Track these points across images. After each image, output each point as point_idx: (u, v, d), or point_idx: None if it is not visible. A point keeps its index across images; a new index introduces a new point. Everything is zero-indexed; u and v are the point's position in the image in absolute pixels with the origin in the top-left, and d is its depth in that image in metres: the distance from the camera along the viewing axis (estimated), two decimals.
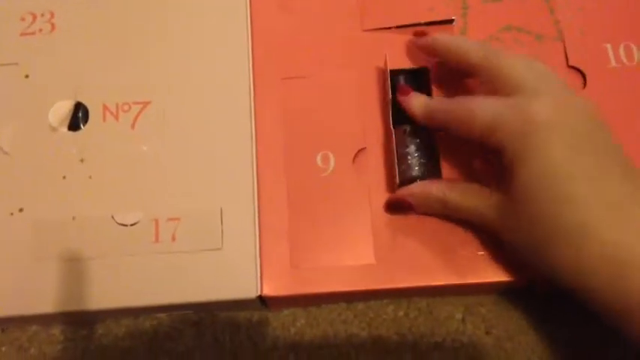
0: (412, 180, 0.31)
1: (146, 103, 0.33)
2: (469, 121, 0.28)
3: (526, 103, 0.26)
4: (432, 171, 0.31)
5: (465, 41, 0.31)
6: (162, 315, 0.32)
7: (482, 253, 0.30)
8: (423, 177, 0.31)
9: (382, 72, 0.33)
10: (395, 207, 0.31)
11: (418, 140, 0.31)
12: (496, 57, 0.29)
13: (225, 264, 0.30)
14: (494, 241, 0.29)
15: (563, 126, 0.26)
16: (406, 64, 0.33)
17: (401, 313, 0.32)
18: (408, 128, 0.32)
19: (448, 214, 0.30)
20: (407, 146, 0.31)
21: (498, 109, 0.27)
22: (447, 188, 0.30)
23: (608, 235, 0.24)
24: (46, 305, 0.30)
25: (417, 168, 0.31)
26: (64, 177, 0.32)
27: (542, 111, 0.26)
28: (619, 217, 0.24)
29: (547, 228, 0.26)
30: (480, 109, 0.28)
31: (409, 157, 0.31)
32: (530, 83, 0.27)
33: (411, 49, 0.34)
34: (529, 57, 0.29)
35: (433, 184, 0.30)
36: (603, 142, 0.27)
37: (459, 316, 0.32)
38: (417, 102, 0.31)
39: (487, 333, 0.31)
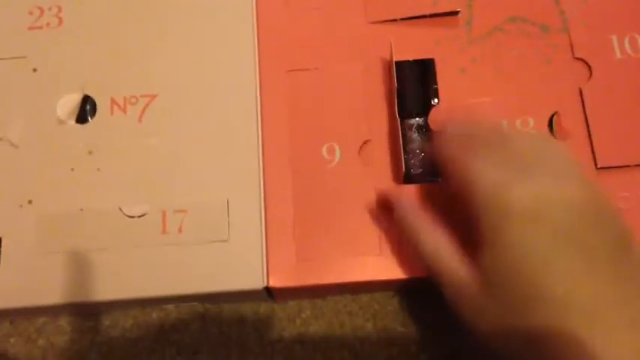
0: (417, 175, 0.31)
1: (153, 97, 0.33)
2: (463, 186, 0.26)
3: (509, 186, 0.25)
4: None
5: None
6: (169, 306, 0.32)
7: None
8: (426, 170, 0.31)
9: (387, 64, 0.33)
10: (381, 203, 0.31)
11: (424, 135, 0.32)
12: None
13: (232, 255, 0.30)
14: None
15: (540, 218, 0.24)
16: (412, 56, 0.34)
17: (405, 305, 0.32)
18: (414, 122, 0.32)
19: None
20: (413, 140, 0.32)
21: (486, 186, 0.25)
22: (430, 230, 0.28)
23: (587, 346, 0.22)
24: (55, 296, 0.30)
25: (422, 162, 0.31)
26: (72, 169, 0.32)
27: (520, 199, 0.24)
28: (599, 326, 0.22)
29: (516, 328, 0.24)
30: (476, 176, 0.26)
31: (416, 151, 0.31)
32: (524, 164, 0.26)
33: (417, 41, 0.34)
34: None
35: (420, 219, 0.28)
36: (594, 236, 0.24)
37: None
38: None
39: None
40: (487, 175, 0.26)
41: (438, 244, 0.27)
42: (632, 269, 0.24)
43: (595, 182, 0.26)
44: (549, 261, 0.24)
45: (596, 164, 0.31)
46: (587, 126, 0.32)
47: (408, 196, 0.31)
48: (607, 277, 0.23)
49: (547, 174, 0.25)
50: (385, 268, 0.30)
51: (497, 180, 0.25)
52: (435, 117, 0.32)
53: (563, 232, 0.24)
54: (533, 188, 0.25)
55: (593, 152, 0.31)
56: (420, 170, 0.31)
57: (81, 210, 0.31)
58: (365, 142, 0.32)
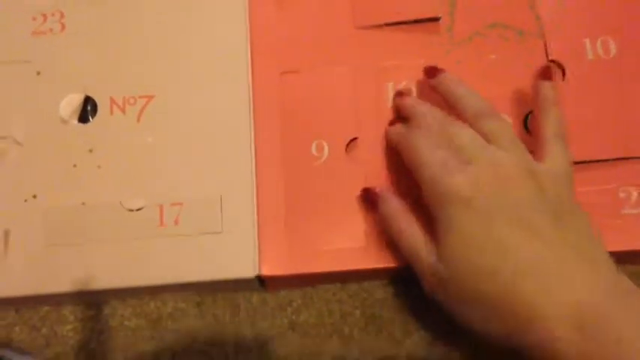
0: None
1: (151, 97, 0.35)
2: (414, 168, 0.30)
3: (446, 175, 0.28)
4: None
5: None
6: (166, 296, 0.34)
7: None
8: None
9: (373, 65, 0.35)
10: (365, 197, 0.33)
11: None
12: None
13: (226, 246, 0.32)
14: None
15: (473, 204, 0.27)
16: (397, 59, 0.36)
17: (391, 293, 0.34)
18: None
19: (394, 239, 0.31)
20: None
21: (431, 175, 0.28)
22: (407, 221, 0.30)
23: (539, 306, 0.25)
24: (58, 285, 0.32)
25: None
26: (75, 166, 0.34)
27: (456, 187, 0.27)
28: (541, 287, 0.25)
29: (471, 299, 0.27)
30: (425, 162, 0.29)
31: None
32: (463, 154, 0.29)
33: (403, 45, 0.36)
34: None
35: (400, 212, 0.31)
36: (528, 209, 0.27)
37: None
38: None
39: None
40: (432, 163, 0.29)
41: (417, 242, 0.29)
42: (567, 235, 0.27)
43: (526, 159, 0.29)
44: (488, 241, 0.27)
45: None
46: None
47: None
48: (545, 243, 0.26)
49: (481, 162, 0.28)
50: (371, 257, 0.32)
51: (439, 169, 0.28)
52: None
53: (497, 212, 0.27)
54: (466, 176, 0.28)
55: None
56: None
57: (82, 204, 0.33)
58: (352, 140, 0.34)
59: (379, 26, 0.36)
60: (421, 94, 0.35)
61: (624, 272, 0.27)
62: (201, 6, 0.36)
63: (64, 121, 0.35)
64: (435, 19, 0.36)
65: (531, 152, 0.30)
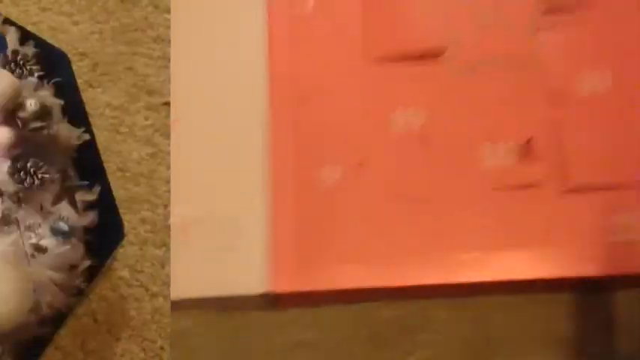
0: None
1: (175, 122, 0.37)
2: None
3: None
4: None
5: None
6: (181, 313, 0.36)
7: (470, 255, 0.34)
8: None
9: (382, 95, 0.37)
10: None
11: None
12: None
13: (239, 263, 0.34)
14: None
15: None
16: (403, 81, 0.38)
17: (393, 313, 0.35)
18: None
19: None
20: None
21: None
22: None
23: None
24: None
25: None
26: None
27: None
28: None
29: None
30: None
31: None
32: None
33: (409, 76, 0.38)
34: None
35: None
36: None
37: (447, 314, 0.35)
38: None
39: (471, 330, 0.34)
40: None
41: None
42: None
43: None
44: None
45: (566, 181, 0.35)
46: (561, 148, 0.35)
47: None
48: None
49: None
50: (375, 276, 0.34)
51: None
52: None
53: None
54: None
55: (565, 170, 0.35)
56: None
57: None
58: (360, 164, 0.36)
59: (388, 57, 0.39)
60: (429, 120, 0.37)
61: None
62: (224, 43, 0.39)
63: None
64: (441, 51, 0.38)
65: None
